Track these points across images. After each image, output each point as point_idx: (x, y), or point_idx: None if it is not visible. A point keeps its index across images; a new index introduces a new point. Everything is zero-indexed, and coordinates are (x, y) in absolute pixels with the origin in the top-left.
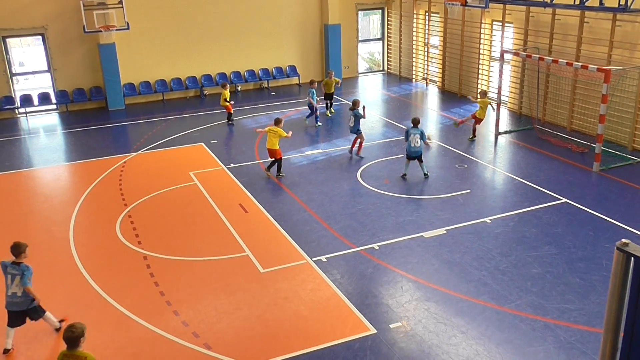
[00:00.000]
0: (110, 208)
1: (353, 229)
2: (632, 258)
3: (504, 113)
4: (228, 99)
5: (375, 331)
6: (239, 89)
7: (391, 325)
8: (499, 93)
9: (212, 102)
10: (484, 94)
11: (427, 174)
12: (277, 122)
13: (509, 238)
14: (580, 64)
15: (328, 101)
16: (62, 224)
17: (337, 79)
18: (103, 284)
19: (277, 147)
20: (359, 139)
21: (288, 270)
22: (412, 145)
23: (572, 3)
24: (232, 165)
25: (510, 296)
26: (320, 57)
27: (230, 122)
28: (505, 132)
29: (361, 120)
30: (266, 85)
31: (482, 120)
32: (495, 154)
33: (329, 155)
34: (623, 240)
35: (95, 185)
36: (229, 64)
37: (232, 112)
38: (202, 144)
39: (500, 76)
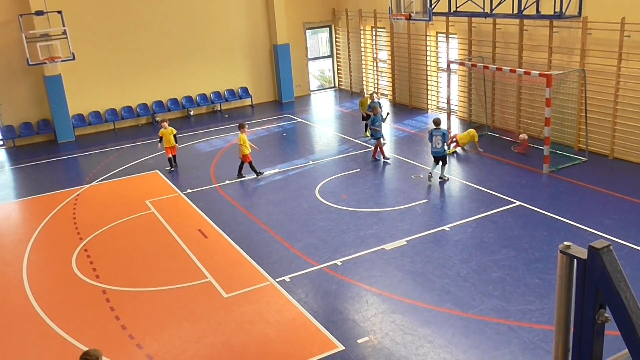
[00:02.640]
0: (64, 243)
1: (314, 247)
2: (575, 260)
3: (455, 122)
4: (174, 143)
5: (343, 347)
6: (192, 113)
7: (359, 341)
8: (448, 102)
9: None
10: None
11: (444, 178)
12: (241, 127)
13: (468, 244)
14: (523, 70)
15: (365, 121)
16: (14, 264)
17: (368, 98)
18: (61, 322)
19: (247, 152)
20: (380, 144)
21: (252, 293)
22: (434, 146)
23: (511, 12)
24: (188, 190)
25: (473, 302)
26: (272, 77)
27: (172, 169)
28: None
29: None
30: (219, 108)
31: (464, 144)
32: (449, 163)
33: (286, 174)
34: (565, 243)
35: (48, 220)
36: (180, 88)
37: (175, 154)
38: (157, 171)
39: (449, 86)
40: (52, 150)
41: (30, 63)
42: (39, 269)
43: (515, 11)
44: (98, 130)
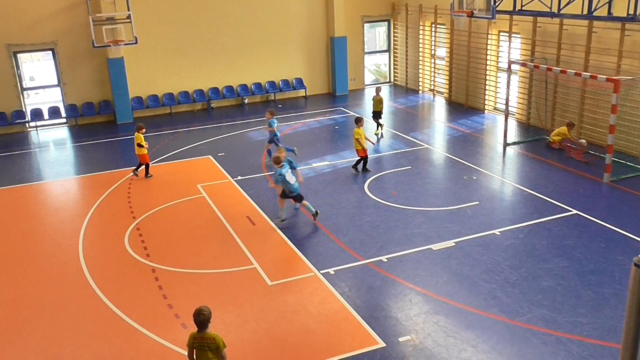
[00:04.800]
0: (118, 221)
1: (361, 242)
2: None
3: (512, 124)
4: (143, 144)
5: (384, 345)
6: (246, 101)
7: (400, 339)
8: (507, 104)
9: (219, 115)
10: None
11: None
12: (357, 121)
13: (518, 250)
14: (589, 74)
15: (377, 120)
16: (71, 237)
17: (381, 97)
18: (112, 296)
19: (359, 147)
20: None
21: (296, 283)
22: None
23: (580, 13)
24: (239, 177)
25: (521, 309)
26: (327, 69)
27: (148, 175)
28: (514, 143)
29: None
30: (273, 98)
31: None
32: (504, 165)
33: (335, 167)
34: None
35: (104, 198)
36: (236, 76)
37: (149, 162)
38: (210, 156)
39: (508, 87)
40: (111, 131)
41: (96, 45)
42: (93, 244)
43: (585, 12)
44: (155, 114)
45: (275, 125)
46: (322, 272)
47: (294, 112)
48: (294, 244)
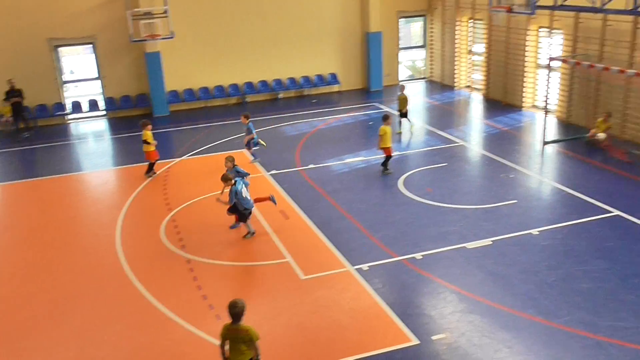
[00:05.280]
0: (155, 212)
1: (394, 238)
2: None
3: (552, 122)
4: (150, 141)
5: (418, 342)
6: (280, 96)
7: (433, 337)
8: (546, 101)
9: (254, 109)
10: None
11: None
12: (385, 119)
13: (557, 251)
14: (634, 71)
15: (403, 118)
16: (108, 228)
17: (406, 95)
18: (148, 286)
19: (388, 145)
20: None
21: (328, 278)
22: None
23: (625, 8)
24: (273, 171)
25: (559, 311)
26: (361, 65)
27: (150, 174)
28: (553, 141)
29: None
30: (307, 93)
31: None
32: (542, 164)
33: (369, 163)
34: None
35: (141, 190)
36: (271, 71)
37: (155, 160)
38: (244, 150)
39: (548, 84)
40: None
41: (133, 39)
42: (130, 234)
43: (630, 7)
44: (190, 107)
45: (254, 130)
46: (355, 267)
47: (327, 108)
48: (327, 239)
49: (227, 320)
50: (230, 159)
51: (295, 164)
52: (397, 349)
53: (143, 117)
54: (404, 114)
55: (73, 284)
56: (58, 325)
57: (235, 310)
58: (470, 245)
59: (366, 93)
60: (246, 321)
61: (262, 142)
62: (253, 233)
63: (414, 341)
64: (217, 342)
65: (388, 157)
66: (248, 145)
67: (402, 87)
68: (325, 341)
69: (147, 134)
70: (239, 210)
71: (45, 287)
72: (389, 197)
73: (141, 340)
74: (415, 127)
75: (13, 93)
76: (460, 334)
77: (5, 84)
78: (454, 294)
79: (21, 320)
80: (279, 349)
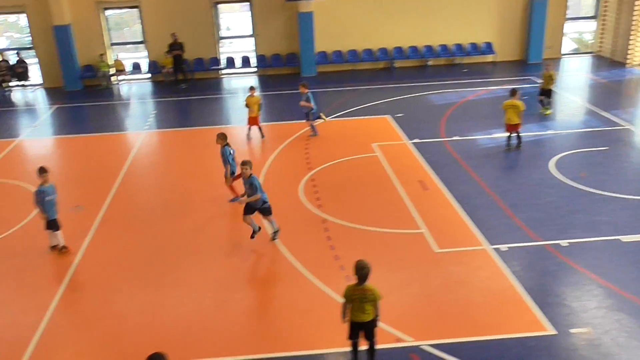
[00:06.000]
0: (295, 170)
1: (539, 221)
2: None
3: None
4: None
5: (555, 332)
6: (430, 63)
7: (572, 330)
8: None
9: (401, 75)
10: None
11: None
12: (514, 93)
13: None
14: None
15: (544, 97)
16: None
17: (553, 72)
18: (283, 240)
19: (518, 121)
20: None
21: (464, 254)
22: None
23: None
24: (416, 140)
25: None
26: (521, 35)
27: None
28: None
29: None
30: (458, 62)
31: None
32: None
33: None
34: None
35: (284, 147)
36: (422, 37)
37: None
38: (388, 116)
39: None
40: (296, 83)
41: None
42: (270, 188)
43: None
44: (338, 69)
45: (313, 100)
46: (493, 247)
47: (479, 78)
48: (466, 214)
49: (343, 283)
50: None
51: (439, 135)
52: (530, 336)
53: (291, 76)
54: (546, 92)
55: (213, 228)
56: (194, 273)
57: (364, 272)
58: (626, 238)
59: (523, 65)
60: (374, 285)
61: (323, 116)
62: (259, 229)
63: (551, 331)
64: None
65: (517, 135)
66: (307, 117)
67: (548, 65)
68: (454, 317)
69: (250, 99)
70: (259, 207)
71: (190, 227)
72: (537, 177)
73: (272, 290)
74: (551, 112)
75: (175, 46)
76: (604, 331)
77: (169, 38)
78: (601, 288)
79: (169, 255)
80: (406, 318)
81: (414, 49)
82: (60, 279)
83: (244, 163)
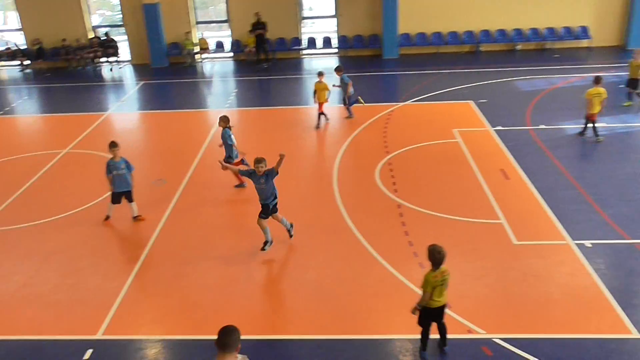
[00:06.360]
0: (372, 153)
1: (630, 219)
2: None
3: None
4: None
5: (639, 337)
6: (519, 47)
7: None
8: None
9: (487, 59)
10: None
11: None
12: (598, 81)
13: None
14: None
15: (630, 88)
16: (328, 161)
17: None
18: (357, 222)
19: (596, 111)
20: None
21: (544, 248)
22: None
23: None
24: (499, 127)
25: None
26: (621, 17)
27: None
28: None
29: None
30: (549, 47)
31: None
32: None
33: (612, 131)
34: None
35: (362, 129)
36: (511, 19)
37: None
38: (471, 102)
39: None
40: (377, 65)
41: None
42: (347, 170)
43: None
44: (421, 52)
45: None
46: (576, 242)
47: (571, 64)
48: (549, 206)
49: (416, 270)
50: (223, 118)
51: (524, 122)
52: (611, 338)
53: (372, 57)
54: (633, 83)
55: (291, 206)
56: (272, 250)
57: (440, 256)
58: None
59: (621, 51)
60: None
61: (361, 100)
62: (271, 243)
63: (635, 334)
64: (415, 287)
65: (593, 123)
66: (344, 101)
67: (637, 53)
68: (529, 312)
69: (319, 86)
70: (270, 203)
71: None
72: (631, 171)
73: (346, 272)
74: (631, 104)
75: (258, 26)
76: None
77: (253, 17)
78: None
79: (244, 230)
80: (479, 308)
81: (502, 32)
82: (142, 249)
83: (258, 161)
